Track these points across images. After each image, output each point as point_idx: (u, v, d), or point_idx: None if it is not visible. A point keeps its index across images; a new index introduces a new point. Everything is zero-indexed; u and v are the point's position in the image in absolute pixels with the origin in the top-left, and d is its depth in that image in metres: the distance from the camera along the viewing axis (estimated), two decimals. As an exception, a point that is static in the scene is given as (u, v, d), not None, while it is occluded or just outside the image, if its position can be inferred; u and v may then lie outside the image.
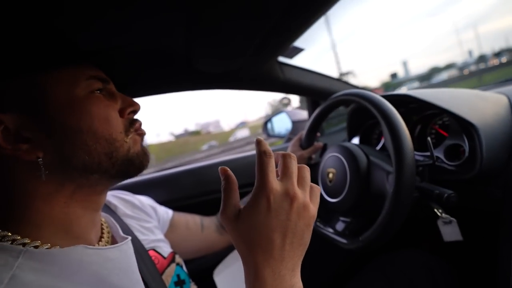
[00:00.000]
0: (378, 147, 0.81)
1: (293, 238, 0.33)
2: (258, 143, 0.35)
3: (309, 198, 0.35)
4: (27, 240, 0.34)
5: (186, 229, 0.69)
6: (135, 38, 0.54)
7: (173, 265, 0.53)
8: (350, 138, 0.92)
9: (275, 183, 0.33)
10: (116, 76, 0.44)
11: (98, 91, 0.40)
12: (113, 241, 0.45)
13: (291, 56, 0.87)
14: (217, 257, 0.85)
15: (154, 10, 0.43)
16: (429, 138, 0.55)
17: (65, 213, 0.38)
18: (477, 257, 0.77)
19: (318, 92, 1.01)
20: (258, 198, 0.32)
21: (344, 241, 0.59)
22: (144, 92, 0.77)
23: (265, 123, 1.46)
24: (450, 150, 0.63)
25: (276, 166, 0.36)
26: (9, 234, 0.33)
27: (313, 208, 0.35)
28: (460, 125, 0.60)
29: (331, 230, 0.65)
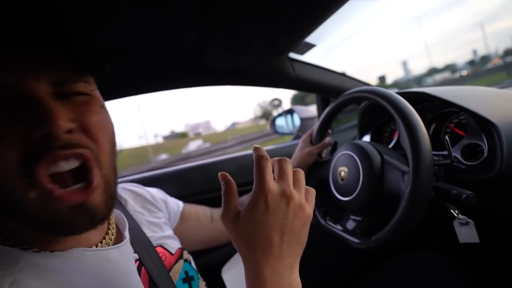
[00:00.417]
0: (390, 146, 0.80)
1: (291, 236, 0.34)
2: (256, 149, 0.37)
3: (304, 199, 0.37)
4: (26, 246, 0.33)
5: (196, 220, 0.69)
6: (148, 29, 0.54)
7: (181, 262, 0.53)
8: (361, 136, 0.91)
9: (272, 184, 0.35)
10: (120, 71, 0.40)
11: None
12: (119, 238, 0.45)
13: (302, 52, 0.86)
14: (226, 253, 0.85)
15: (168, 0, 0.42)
16: (446, 137, 0.53)
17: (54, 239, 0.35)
18: (493, 260, 0.75)
19: (329, 89, 1.00)
20: (257, 199, 0.34)
21: (356, 240, 0.58)
22: (154, 87, 0.76)
23: (273, 120, 1.45)
24: (467, 150, 0.61)
25: (273, 172, 0.37)
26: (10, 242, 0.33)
27: (309, 209, 0.36)
28: (479, 124, 0.58)
29: (341, 228, 0.64)
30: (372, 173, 0.58)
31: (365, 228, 0.62)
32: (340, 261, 0.81)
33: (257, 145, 0.38)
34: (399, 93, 0.60)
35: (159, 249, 0.50)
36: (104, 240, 0.41)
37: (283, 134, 1.42)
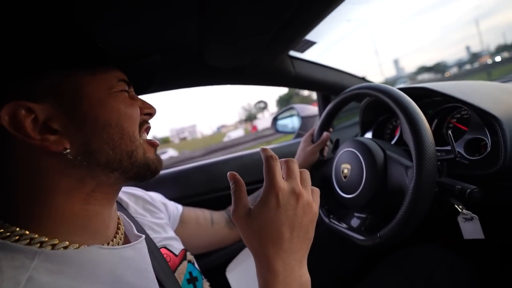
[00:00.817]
0: (392, 142, 0.79)
1: (300, 232, 0.36)
2: (264, 150, 0.39)
3: (311, 197, 0.39)
4: (44, 239, 0.33)
5: (196, 224, 0.69)
6: (147, 30, 0.54)
7: (185, 263, 0.53)
8: (363, 133, 0.91)
9: (282, 183, 0.37)
10: (134, 78, 0.45)
11: (124, 92, 0.41)
12: (126, 239, 0.45)
13: (302, 50, 0.85)
14: (229, 253, 0.85)
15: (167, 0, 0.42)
16: (450, 132, 0.53)
17: (84, 210, 0.37)
18: (497, 254, 0.74)
19: (330, 87, 0.99)
20: (268, 196, 0.36)
21: (361, 237, 0.57)
22: (154, 88, 0.76)
23: (274, 119, 1.44)
24: (470, 145, 0.61)
25: None
26: (27, 232, 0.33)
27: (315, 207, 0.39)
28: (482, 119, 0.58)
29: (346, 226, 0.64)
30: (375, 169, 0.58)
31: (370, 225, 0.62)
32: (344, 258, 0.81)
33: (264, 146, 0.40)
34: (400, 89, 0.60)
35: (163, 251, 0.50)
36: (114, 239, 0.41)
37: (284, 133, 1.42)
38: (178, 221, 0.66)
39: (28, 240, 0.33)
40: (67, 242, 0.35)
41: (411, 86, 0.70)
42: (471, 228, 0.52)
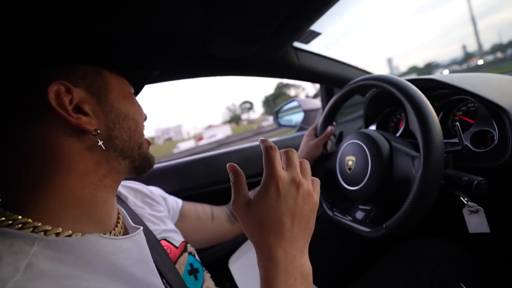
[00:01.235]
0: (397, 135, 0.79)
1: (301, 221, 0.36)
2: (263, 141, 0.40)
3: (311, 187, 0.38)
4: (48, 227, 0.33)
5: (196, 219, 0.69)
6: (150, 18, 0.53)
7: (186, 255, 0.53)
8: (366, 126, 0.90)
9: (282, 172, 0.37)
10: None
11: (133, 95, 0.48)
12: (125, 231, 0.45)
13: (307, 41, 0.84)
14: (231, 245, 0.85)
15: None
16: (457, 123, 0.52)
17: (93, 195, 0.38)
18: (503, 248, 0.74)
19: (333, 79, 0.98)
20: (268, 186, 0.36)
21: (366, 229, 0.57)
22: (156, 78, 0.75)
23: (276, 113, 1.43)
24: (477, 137, 0.60)
25: None
26: (30, 220, 0.33)
27: (316, 196, 0.38)
28: (490, 111, 0.57)
29: (350, 219, 0.64)
30: (381, 160, 0.58)
31: (374, 217, 0.61)
32: (348, 251, 0.81)
33: (263, 138, 0.40)
34: (408, 81, 0.59)
35: (163, 243, 0.50)
36: (114, 231, 0.41)
37: (287, 126, 1.41)
38: (178, 215, 0.66)
39: (31, 229, 0.32)
40: (71, 231, 0.34)
41: (418, 78, 0.69)
42: (476, 221, 0.52)
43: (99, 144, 0.38)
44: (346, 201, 0.73)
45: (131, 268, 0.37)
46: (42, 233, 0.32)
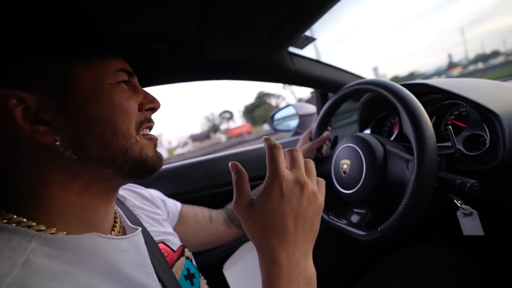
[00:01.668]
0: (391, 139, 0.80)
1: (305, 224, 0.35)
2: (267, 139, 0.37)
3: (317, 188, 0.37)
4: (42, 227, 0.33)
5: (195, 221, 0.69)
6: (148, 23, 0.53)
7: (183, 259, 0.52)
8: (361, 130, 0.91)
9: (286, 172, 0.35)
10: (139, 70, 0.43)
11: (123, 83, 0.39)
12: (124, 232, 0.44)
13: (302, 46, 0.85)
14: (226, 251, 0.84)
15: None
16: (450, 127, 0.53)
17: (81, 202, 0.37)
18: (497, 251, 0.75)
19: (328, 84, 0.99)
20: (272, 186, 0.34)
21: (361, 233, 0.57)
22: (152, 81, 0.75)
23: (272, 117, 1.44)
24: (469, 141, 0.61)
25: None
26: (24, 220, 0.32)
27: (321, 198, 0.37)
28: (481, 115, 0.58)
29: (346, 222, 0.64)
30: (376, 163, 0.58)
31: (370, 221, 0.61)
32: (345, 256, 0.81)
33: (267, 136, 0.38)
34: (401, 85, 0.60)
35: (161, 245, 0.50)
36: (113, 232, 0.41)
37: (282, 131, 1.42)
38: (177, 218, 0.66)
39: (26, 228, 0.32)
40: (65, 232, 0.34)
41: (412, 82, 0.70)
42: (470, 223, 0.52)
43: (66, 155, 0.34)
44: (341, 204, 0.73)
45: (128, 270, 0.36)
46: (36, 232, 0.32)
